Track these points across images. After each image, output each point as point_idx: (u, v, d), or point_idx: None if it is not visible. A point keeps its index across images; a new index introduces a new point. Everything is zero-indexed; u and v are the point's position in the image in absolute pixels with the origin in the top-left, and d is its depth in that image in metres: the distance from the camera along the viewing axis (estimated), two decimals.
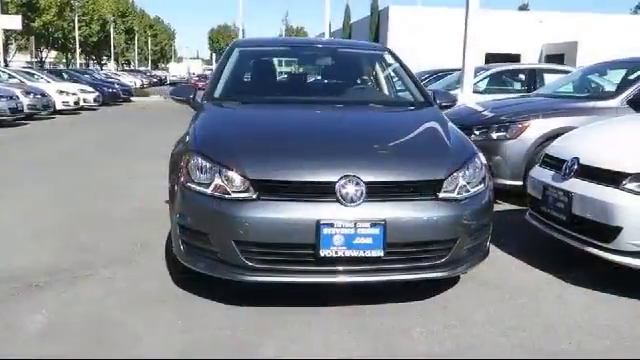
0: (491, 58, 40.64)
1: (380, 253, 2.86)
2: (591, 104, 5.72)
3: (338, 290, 3.24)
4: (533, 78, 9.67)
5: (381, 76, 4.63)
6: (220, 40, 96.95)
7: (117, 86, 26.27)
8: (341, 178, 2.88)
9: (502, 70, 10.30)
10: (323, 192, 2.89)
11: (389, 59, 4.64)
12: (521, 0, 51.38)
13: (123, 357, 2.60)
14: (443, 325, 2.96)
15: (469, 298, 3.32)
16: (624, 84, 5.90)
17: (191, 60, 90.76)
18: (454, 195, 3.03)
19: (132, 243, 4.25)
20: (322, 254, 2.83)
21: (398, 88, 4.60)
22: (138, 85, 39.52)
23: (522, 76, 10.22)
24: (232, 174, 2.96)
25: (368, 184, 2.89)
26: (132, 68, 67.88)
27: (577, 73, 7.22)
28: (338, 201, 2.86)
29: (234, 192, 2.93)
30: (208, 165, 3.05)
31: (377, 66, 4.67)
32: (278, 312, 3.08)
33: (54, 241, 4.27)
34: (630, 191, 3.29)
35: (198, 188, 3.03)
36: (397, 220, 2.87)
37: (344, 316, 3.04)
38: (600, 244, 3.41)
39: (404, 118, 3.85)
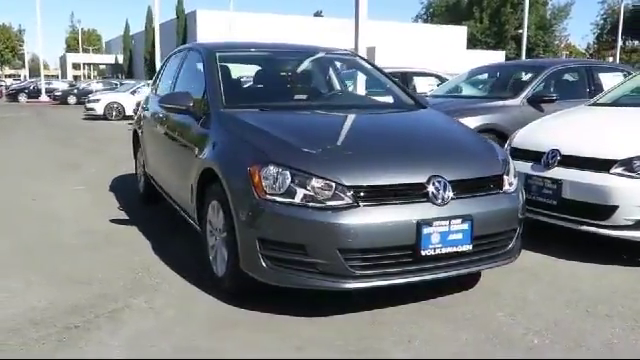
0: None
1: (469, 247, 3.04)
2: (500, 103, 6.47)
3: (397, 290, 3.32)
4: (405, 82, 10.46)
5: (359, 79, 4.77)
6: None
7: None
8: (429, 179, 3.00)
9: None
10: (415, 193, 2.97)
11: (365, 63, 4.79)
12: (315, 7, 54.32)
13: None
14: (512, 305, 3.25)
15: (506, 283, 3.61)
16: (521, 85, 6.75)
17: None
18: (510, 188, 3.32)
19: (129, 270, 3.83)
20: (423, 253, 2.92)
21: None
22: None
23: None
24: (322, 182, 2.90)
25: (452, 182, 3.05)
26: None
27: (462, 76, 8.04)
28: (430, 201, 2.97)
29: (328, 200, 2.87)
30: (289, 175, 2.93)
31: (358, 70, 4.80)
32: (374, 316, 3.09)
33: (36, 277, 3.68)
34: (621, 175, 3.88)
35: (283, 199, 2.91)
36: (481, 214, 3.07)
37: (431, 312, 3.16)
38: (596, 222, 3.96)
39: (433, 120, 4.03)
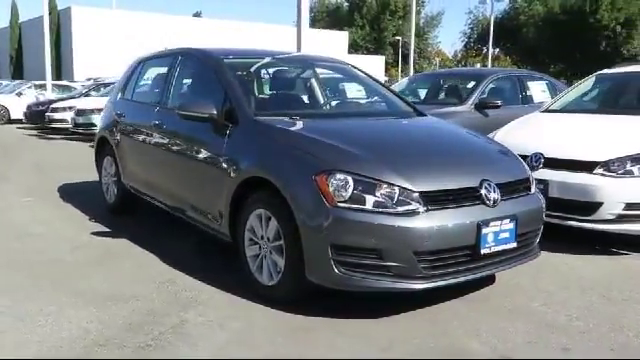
0: None
1: (514, 244, 3.32)
2: (452, 109, 6.91)
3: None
4: None
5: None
6: None
7: None
8: (481, 182, 3.25)
9: None
10: (471, 196, 3.20)
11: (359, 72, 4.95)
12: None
13: None
14: (538, 296, 3.58)
15: (519, 277, 3.91)
16: (466, 92, 7.27)
17: None
18: (534, 189, 3.66)
19: (154, 283, 3.71)
20: (482, 252, 3.16)
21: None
22: None
23: None
24: (390, 188, 3.04)
25: (498, 185, 3.31)
26: None
27: (402, 84, 8.46)
28: (483, 203, 3.21)
29: (398, 205, 3.02)
30: (358, 182, 3.04)
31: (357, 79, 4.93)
32: (429, 313, 3.27)
33: (62, 297, 3.45)
34: (603, 175, 4.38)
35: (355, 206, 3.01)
36: (521, 214, 3.36)
37: (475, 306, 3.41)
38: (582, 217, 4.44)
39: (452, 127, 4.26)
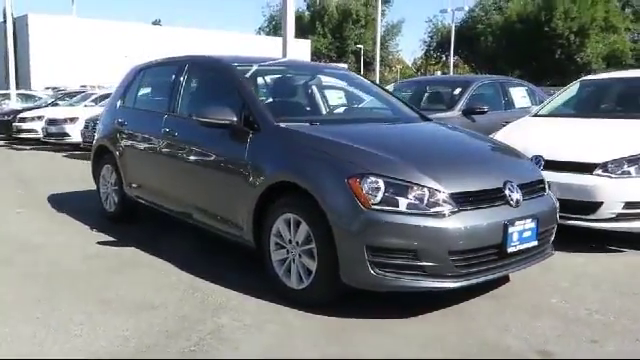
0: None
1: (535, 243, 3.46)
2: (442, 114, 7.06)
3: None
4: None
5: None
6: None
7: None
8: (504, 183, 3.37)
9: None
10: (496, 197, 3.33)
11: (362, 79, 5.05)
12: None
13: None
14: (554, 292, 3.74)
15: (529, 273, 4.04)
16: (454, 98, 7.45)
17: None
18: (548, 189, 3.81)
19: (178, 290, 3.71)
20: (508, 251, 3.28)
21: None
22: None
23: None
24: (422, 190, 3.14)
25: (519, 186, 3.45)
26: None
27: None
28: (507, 203, 3.34)
29: (431, 206, 3.11)
30: (391, 184, 3.13)
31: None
32: (456, 310, 3.38)
33: (89, 306, 3.41)
34: (602, 175, 4.58)
35: (390, 208, 3.09)
36: (541, 213, 3.51)
37: (498, 302, 3.53)
38: (583, 217, 4.62)
39: (464, 131, 4.39)
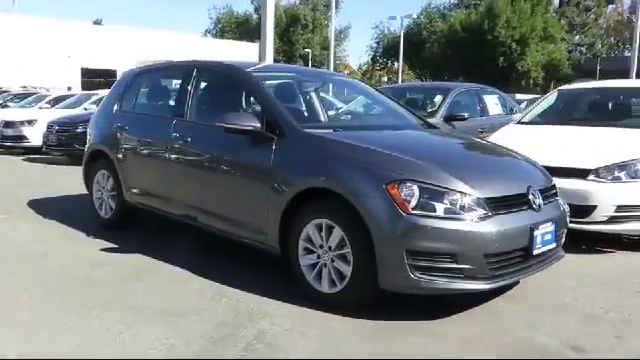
0: (88, 73, 40.26)
1: (554, 245, 3.65)
2: None
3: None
4: None
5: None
6: None
7: None
8: (528, 188, 3.55)
9: None
10: (522, 202, 3.49)
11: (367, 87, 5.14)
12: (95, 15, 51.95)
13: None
14: (565, 292, 3.94)
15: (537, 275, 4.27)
16: (434, 105, 7.67)
17: None
18: (559, 195, 4.02)
19: (204, 297, 3.69)
20: (533, 253, 3.45)
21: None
22: None
23: None
24: (457, 195, 3.26)
25: (540, 191, 3.63)
26: None
27: None
28: (531, 208, 3.51)
29: (466, 211, 3.24)
30: (426, 190, 3.24)
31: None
32: (485, 310, 3.51)
33: (121, 314, 3.35)
34: (595, 181, 4.85)
35: (429, 213, 3.20)
36: (558, 217, 3.71)
37: (519, 303, 3.68)
38: (578, 220, 4.87)
39: (473, 138, 4.54)
